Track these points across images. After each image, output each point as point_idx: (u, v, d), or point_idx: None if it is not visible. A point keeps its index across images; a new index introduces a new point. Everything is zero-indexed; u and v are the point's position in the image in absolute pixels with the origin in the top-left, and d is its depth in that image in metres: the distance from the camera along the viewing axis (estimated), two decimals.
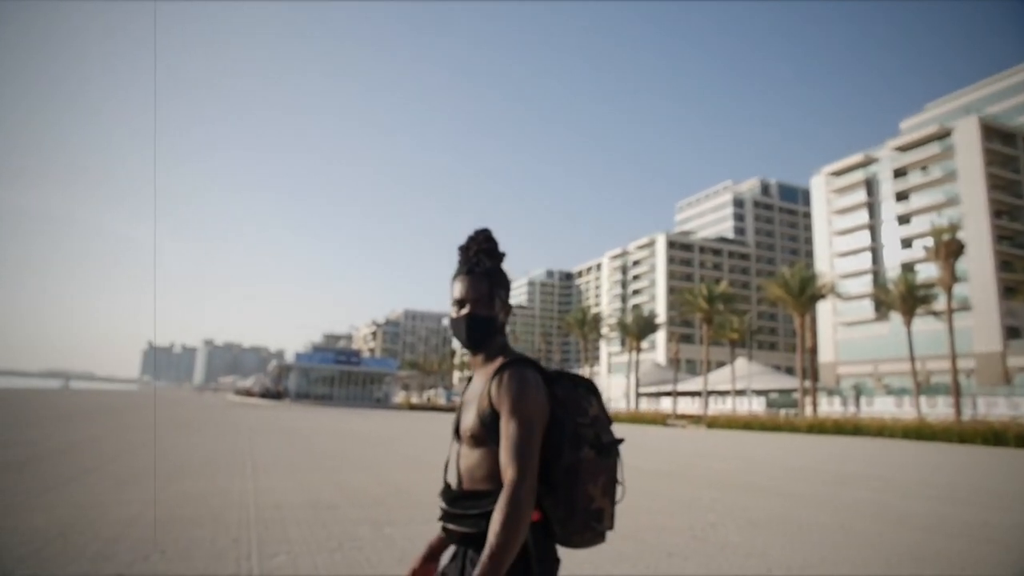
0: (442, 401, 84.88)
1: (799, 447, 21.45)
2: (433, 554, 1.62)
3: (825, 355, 70.82)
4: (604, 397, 1.59)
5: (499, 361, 1.50)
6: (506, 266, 1.63)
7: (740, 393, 53.44)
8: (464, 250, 1.59)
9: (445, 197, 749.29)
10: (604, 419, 1.50)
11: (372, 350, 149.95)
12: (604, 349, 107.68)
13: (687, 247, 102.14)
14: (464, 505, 1.43)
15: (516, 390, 1.41)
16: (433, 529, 1.67)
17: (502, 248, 1.63)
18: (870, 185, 70.88)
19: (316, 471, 9.98)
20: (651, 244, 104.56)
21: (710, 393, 52.49)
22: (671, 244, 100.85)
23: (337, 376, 63.57)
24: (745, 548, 5.55)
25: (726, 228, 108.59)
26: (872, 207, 70.42)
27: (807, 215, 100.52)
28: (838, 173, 74.53)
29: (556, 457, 1.39)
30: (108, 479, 8.00)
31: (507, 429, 1.38)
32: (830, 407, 45.29)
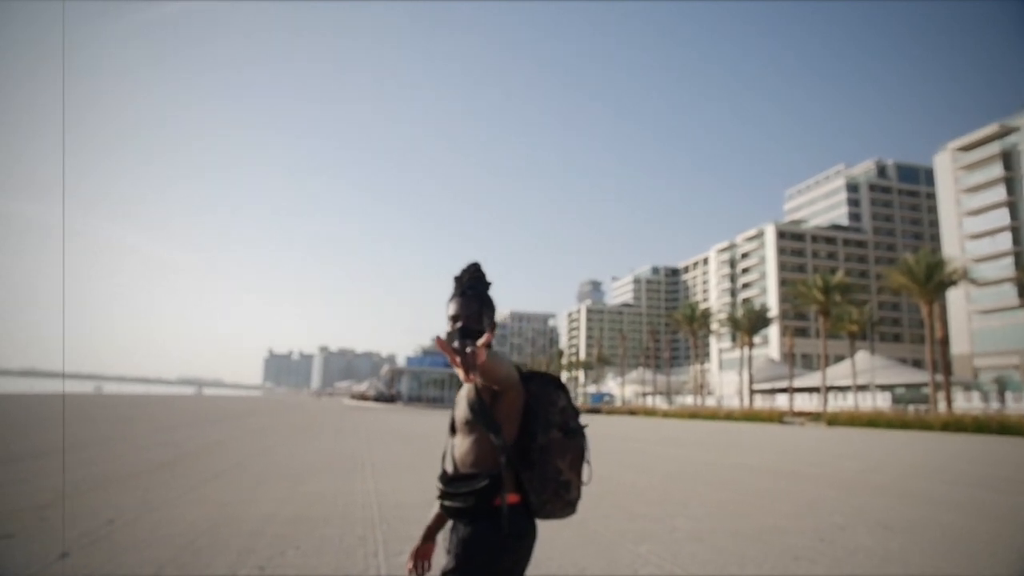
0: None
1: (933, 446, 19.88)
2: (430, 535, 1.95)
3: (959, 346, 65.29)
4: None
5: None
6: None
7: (862, 388, 50.13)
8: (458, 279, 1.89)
9: (546, 196, 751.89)
10: (571, 410, 1.85)
11: None
12: (714, 345, 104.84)
13: (798, 237, 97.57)
14: (457, 486, 1.73)
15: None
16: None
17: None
18: (1008, 158, 64.58)
19: (432, 471, 10.28)
20: (760, 235, 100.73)
21: (829, 389, 49.64)
22: (781, 234, 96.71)
23: (447, 379, 65.10)
24: (880, 553, 5.20)
25: (840, 215, 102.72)
26: (1011, 182, 64.16)
27: (931, 196, 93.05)
28: (968, 148, 68.47)
29: (531, 440, 1.75)
30: (244, 478, 8.64)
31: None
32: (967, 403, 41.63)
